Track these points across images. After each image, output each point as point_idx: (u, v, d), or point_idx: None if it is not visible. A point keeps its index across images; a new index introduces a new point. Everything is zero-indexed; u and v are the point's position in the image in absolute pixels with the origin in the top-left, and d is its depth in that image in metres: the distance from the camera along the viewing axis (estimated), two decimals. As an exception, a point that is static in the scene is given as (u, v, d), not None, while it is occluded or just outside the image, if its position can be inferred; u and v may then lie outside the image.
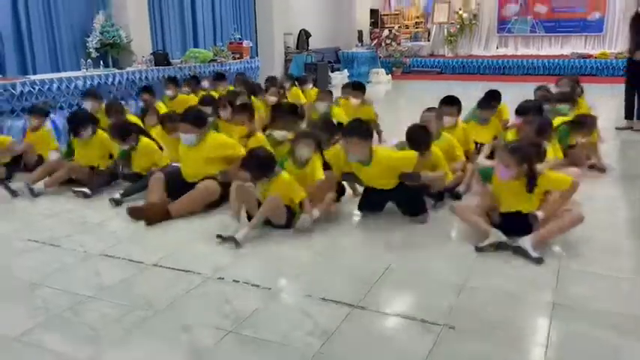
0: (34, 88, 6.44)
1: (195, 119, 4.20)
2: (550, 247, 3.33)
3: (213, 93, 7.26)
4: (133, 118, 5.59)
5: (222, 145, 4.29)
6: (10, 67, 7.16)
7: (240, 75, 8.60)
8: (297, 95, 7.69)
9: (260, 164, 3.66)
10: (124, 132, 4.66)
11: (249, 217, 3.75)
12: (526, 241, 3.15)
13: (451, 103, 5.09)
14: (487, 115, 5.41)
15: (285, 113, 4.90)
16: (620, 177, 5.05)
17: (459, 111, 5.14)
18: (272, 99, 6.70)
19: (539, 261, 3.08)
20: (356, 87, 6.55)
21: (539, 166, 3.41)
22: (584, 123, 4.86)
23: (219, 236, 3.54)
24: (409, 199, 3.86)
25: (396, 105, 10.96)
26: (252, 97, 6.76)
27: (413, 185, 3.76)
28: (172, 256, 3.36)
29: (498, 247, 3.24)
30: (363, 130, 3.71)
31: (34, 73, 7.35)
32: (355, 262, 3.30)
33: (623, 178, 5.01)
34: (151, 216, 3.92)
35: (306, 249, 3.49)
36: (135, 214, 4.00)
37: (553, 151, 4.33)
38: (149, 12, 9.02)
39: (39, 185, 4.70)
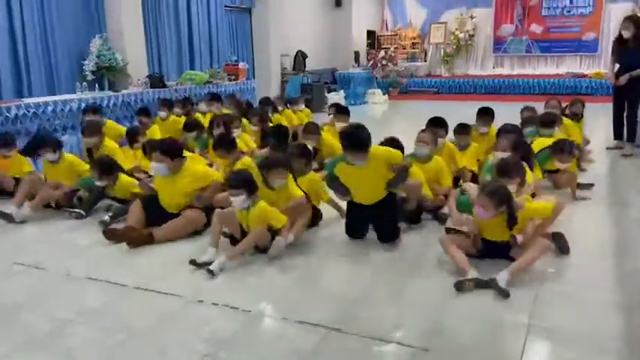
0: (28, 111, 6.52)
1: (167, 149, 4.12)
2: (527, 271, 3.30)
3: (206, 115, 7.36)
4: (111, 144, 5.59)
5: (198, 179, 4.23)
6: (5, 90, 7.25)
7: (231, 96, 8.65)
8: (289, 117, 7.76)
9: (247, 182, 3.63)
10: (106, 170, 4.62)
11: (233, 238, 3.77)
12: (501, 277, 3.05)
13: (439, 124, 5.14)
14: (463, 141, 5.26)
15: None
16: (604, 201, 5.01)
17: (447, 132, 5.18)
18: (254, 128, 6.70)
19: (504, 293, 2.97)
20: (340, 110, 6.61)
21: (518, 200, 3.39)
22: (563, 149, 4.76)
23: (192, 262, 3.48)
24: (387, 222, 3.88)
25: (392, 125, 11.01)
26: (244, 119, 6.84)
27: (391, 201, 3.88)
28: (154, 279, 3.37)
29: (477, 284, 3.08)
30: (361, 139, 3.66)
31: (30, 96, 7.44)
32: (333, 285, 3.31)
33: (608, 203, 4.98)
34: (135, 239, 3.91)
35: (286, 272, 3.49)
36: (111, 236, 3.99)
37: (534, 172, 4.33)
38: (145, 35, 9.15)
39: (25, 210, 4.64)
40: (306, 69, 13.69)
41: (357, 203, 3.93)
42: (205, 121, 6.88)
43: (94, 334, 2.75)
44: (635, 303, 2.95)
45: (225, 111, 7.46)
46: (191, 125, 6.30)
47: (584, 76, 14.18)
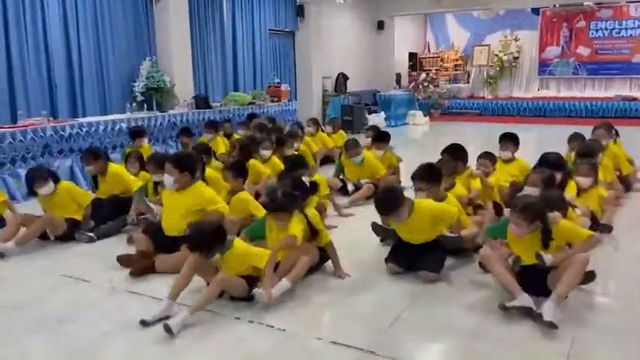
0: (81, 130, 6.87)
1: (179, 160, 4.01)
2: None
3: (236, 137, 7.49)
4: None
5: (205, 199, 4.01)
6: (62, 110, 7.66)
7: (267, 120, 8.52)
8: (323, 140, 7.76)
9: (202, 241, 3.15)
10: (95, 155, 4.86)
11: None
12: (546, 310, 2.89)
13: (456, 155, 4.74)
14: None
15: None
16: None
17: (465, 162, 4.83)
18: (289, 152, 6.45)
19: (550, 325, 2.82)
20: (379, 138, 6.49)
21: (551, 215, 3.24)
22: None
23: (142, 322, 3.01)
24: (434, 257, 3.69)
25: (432, 146, 10.93)
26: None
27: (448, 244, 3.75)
28: (193, 293, 3.38)
29: (526, 313, 2.97)
30: (394, 199, 3.54)
31: (84, 115, 7.83)
32: (368, 308, 3.29)
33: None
34: (138, 269, 3.80)
35: (321, 293, 3.51)
36: (124, 262, 3.90)
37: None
38: (193, 58, 9.50)
39: (9, 244, 4.27)
40: (348, 90, 13.83)
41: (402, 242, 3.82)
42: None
43: (130, 347, 2.84)
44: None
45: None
46: (199, 149, 5.98)
47: (634, 99, 13.74)
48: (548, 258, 3.13)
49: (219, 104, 9.50)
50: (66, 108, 7.77)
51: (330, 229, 4.40)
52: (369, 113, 13.43)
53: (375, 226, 4.30)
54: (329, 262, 3.78)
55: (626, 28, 14.62)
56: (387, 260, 3.79)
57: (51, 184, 4.58)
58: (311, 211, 3.80)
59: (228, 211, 4.11)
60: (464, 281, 3.61)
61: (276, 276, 3.35)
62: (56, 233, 4.59)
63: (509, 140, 5.36)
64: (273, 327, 3.02)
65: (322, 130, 8.45)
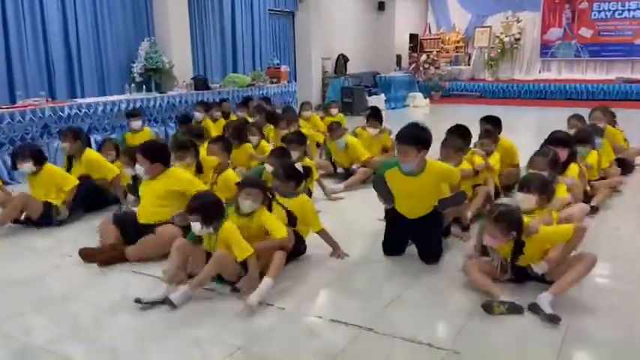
0: (80, 111, 6.85)
1: (148, 151, 3.91)
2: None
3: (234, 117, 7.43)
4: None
5: (179, 180, 3.90)
6: (60, 91, 7.63)
7: (262, 100, 8.52)
8: (316, 124, 7.57)
9: (203, 207, 3.14)
10: (75, 135, 4.87)
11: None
12: (543, 299, 2.83)
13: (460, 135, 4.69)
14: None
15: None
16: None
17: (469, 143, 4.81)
18: (283, 132, 6.26)
19: (553, 319, 2.73)
20: (372, 115, 6.38)
21: (531, 222, 3.08)
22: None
23: (137, 300, 3.00)
24: (431, 239, 3.63)
25: (432, 128, 10.95)
26: (270, 126, 6.73)
27: (437, 217, 3.62)
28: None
29: (510, 309, 2.86)
30: (418, 137, 3.39)
31: (83, 97, 7.80)
32: (367, 287, 3.32)
33: None
34: (106, 259, 3.67)
35: (321, 273, 3.54)
36: (87, 256, 3.72)
37: (561, 190, 3.91)
38: (191, 39, 9.44)
39: None
40: (348, 72, 13.75)
41: (398, 216, 3.66)
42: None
43: (134, 322, 2.87)
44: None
45: (249, 117, 7.34)
46: (192, 132, 5.98)
47: (636, 81, 13.67)
48: (541, 267, 3.05)
49: (218, 85, 9.45)
50: (64, 89, 7.74)
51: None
52: (369, 95, 13.37)
53: (376, 181, 3.78)
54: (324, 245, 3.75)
55: (629, 9, 14.47)
56: (383, 248, 3.74)
57: (31, 163, 4.50)
58: (303, 199, 3.70)
59: (207, 189, 4.02)
60: (462, 261, 3.60)
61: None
62: (32, 215, 4.45)
63: (488, 122, 5.38)
64: (273, 305, 3.05)
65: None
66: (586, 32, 15.10)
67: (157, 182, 3.90)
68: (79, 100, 7.24)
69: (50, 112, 6.52)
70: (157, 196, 3.88)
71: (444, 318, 2.92)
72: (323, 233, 3.72)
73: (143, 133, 6.39)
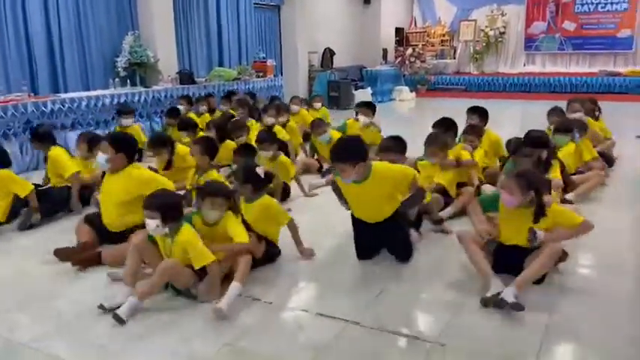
0: (63, 106, 6.77)
1: (116, 139, 3.76)
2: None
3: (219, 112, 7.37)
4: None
5: (144, 182, 3.63)
6: (42, 86, 7.53)
7: (247, 95, 8.51)
8: (303, 118, 7.52)
9: (163, 205, 2.97)
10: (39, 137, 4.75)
11: None
12: (507, 294, 2.82)
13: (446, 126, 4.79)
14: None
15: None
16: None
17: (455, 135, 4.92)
18: (270, 120, 6.36)
19: (516, 307, 2.74)
20: (366, 104, 6.43)
21: (547, 198, 3.13)
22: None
23: (101, 307, 2.90)
24: (399, 243, 3.55)
25: (419, 122, 10.98)
26: (252, 120, 6.70)
27: (399, 219, 3.49)
28: None
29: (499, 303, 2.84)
30: (349, 153, 3.22)
31: (66, 92, 7.70)
32: (353, 282, 3.34)
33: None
34: (80, 260, 3.53)
35: (307, 267, 3.55)
36: (62, 256, 3.59)
37: (555, 172, 4.12)
38: (176, 32, 9.35)
39: None
40: (334, 66, 13.73)
41: (359, 221, 3.58)
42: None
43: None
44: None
45: (233, 111, 7.31)
46: (184, 124, 6.07)
47: (618, 74, 13.84)
48: (540, 234, 3.01)
49: (204, 79, 9.39)
50: (47, 84, 7.65)
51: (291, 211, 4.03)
52: (356, 89, 13.39)
53: (332, 185, 3.71)
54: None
55: (611, 3, 14.62)
56: (358, 256, 3.61)
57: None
58: (265, 200, 3.56)
59: (173, 187, 3.73)
60: (447, 256, 3.64)
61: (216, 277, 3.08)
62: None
63: (474, 113, 5.44)
64: (260, 300, 3.06)
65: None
66: (569, 25, 15.23)
67: (118, 181, 3.70)
68: (62, 95, 7.15)
69: (33, 107, 6.43)
70: (121, 201, 3.70)
71: (429, 311, 2.95)
72: (291, 225, 3.59)
73: (132, 129, 6.35)
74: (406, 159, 4.06)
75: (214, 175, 4.26)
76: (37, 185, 4.70)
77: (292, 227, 3.62)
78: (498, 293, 2.86)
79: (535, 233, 3.02)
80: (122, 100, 7.51)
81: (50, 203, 4.59)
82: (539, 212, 3.03)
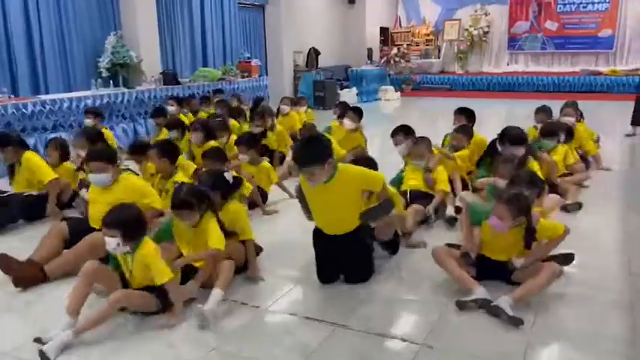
0: (44, 108, 6.66)
1: (105, 154, 3.60)
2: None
3: (203, 114, 7.26)
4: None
5: (136, 191, 3.57)
6: (23, 87, 7.39)
7: (233, 97, 8.46)
8: (292, 119, 7.40)
9: (123, 222, 2.75)
10: (3, 141, 4.51)
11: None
12: (504, 302, 2.79)
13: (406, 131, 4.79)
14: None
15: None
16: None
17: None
18: (257, 129, 6.10)
19: (515, 321, 2.71)
20: (353, 109, 6.31)
21: (533, 215, 3.04)
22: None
23: (37, 340, 2.60)
24: (358, 259, 3.30)
25: (403, 121, 10.99)
26: (233, 121, 6.60)
27: (363, 234, 3.27)
28: None
29: (482, 305, 2.85)
30: (315, 155, 2.98)
31: (47, 93, 7.57)
32: (340, 285, 3.29)
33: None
34: (21, 278, 3.26)
35: (293, 271, 3.53)
36: (3, 263, 3.31)
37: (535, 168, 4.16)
38: (159, 32, 9.26)
39: None
40: (319, 66, 13.72)
41: (321, 235, 3.30)
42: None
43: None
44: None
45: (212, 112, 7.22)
46: (173, 123, 5.95)
47: (599, 73, 14.03)
48: (518, 263, 3.03)
49: (188, 80, 9.31)
50: (27, 85, 7.52)
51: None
52: (341, 89, 13.39)
53: (297, 191, 3.48)
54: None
55: (592, 3, 14.81)
56: (319, 279, 3.31)
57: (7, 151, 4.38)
58: (234, 207, 3.42)
59: (162, 206, 3.64)
60: (432, 258, 3.62)
61: (198, 283, 3.06)
62: None
63: (462, 114, 5.42)
64: (247, 304, 3.03)
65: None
66: (552, 25, 15.40)
67: (112, 191, 3.55)
68: (43, 97, 7.03)
69: (13, 109, 6.31)
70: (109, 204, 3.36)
71: (417, 313, 2.95)
72: (249, 244, 3.36)
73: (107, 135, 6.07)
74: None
75: (181, 177, 4.05)
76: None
77: (250, 247, 3.37)
78: (485, 299, 2.85)
79: (512, 264, 3.06)
80: (105, 101, 7.41)
81: (10, 212, 4.44)
82: (530, 237, 3.01)
